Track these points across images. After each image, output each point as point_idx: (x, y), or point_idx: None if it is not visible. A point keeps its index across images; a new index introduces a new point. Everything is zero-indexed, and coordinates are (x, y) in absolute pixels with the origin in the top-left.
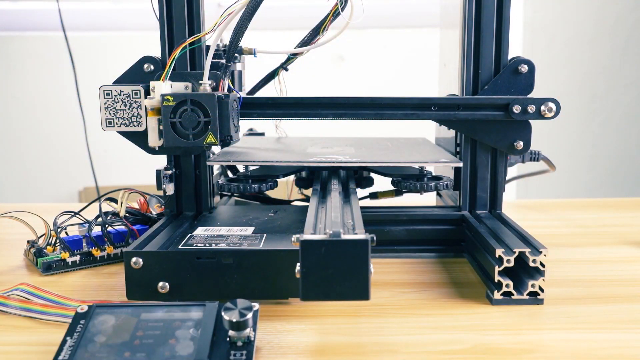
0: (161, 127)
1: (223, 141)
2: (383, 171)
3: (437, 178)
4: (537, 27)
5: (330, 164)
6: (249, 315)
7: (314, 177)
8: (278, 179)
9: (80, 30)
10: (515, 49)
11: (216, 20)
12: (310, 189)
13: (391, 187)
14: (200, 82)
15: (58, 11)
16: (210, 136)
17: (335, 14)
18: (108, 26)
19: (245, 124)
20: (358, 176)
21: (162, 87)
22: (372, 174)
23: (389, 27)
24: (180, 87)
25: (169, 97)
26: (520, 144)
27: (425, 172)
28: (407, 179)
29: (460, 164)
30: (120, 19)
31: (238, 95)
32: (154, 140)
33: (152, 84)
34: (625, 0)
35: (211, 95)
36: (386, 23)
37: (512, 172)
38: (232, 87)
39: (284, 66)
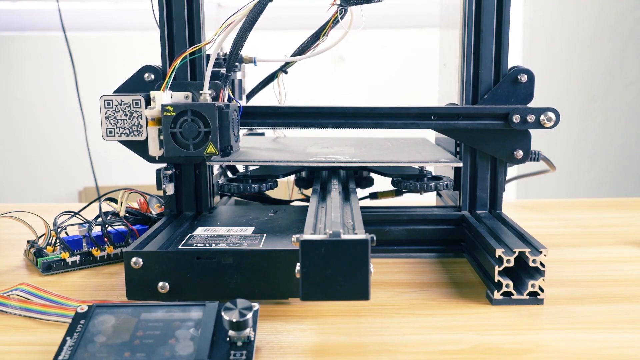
0: (161, 137)
1: (223, 151)
2: (383, 171)
3: (437, 178)
4: (537, 27)
5: (330, 164)
6: (249, 315)
7: (314, 177)
8: (278, 179)
9: (80, 30)
10: (515, 49)
11: (216, 31)
12: (310, 189)
13: (391, 187)
14: (201, 91)
15: (58, 11)
16: (211, 146)
17: (334, 21)
18: (108, 26)
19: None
20: (358, 176)
21: (163, 97)
22: (372, 174)
23: (389, 27)
24: (180, 96)
25: (169, 108)
26: (519, 153)
27: (425, 172)
28: (407, 179)
29: (460, 164)
30: (120, 19)
31: (238, 105)
32: (154, 150)
33: (152, 93)
34: (625, 0)
35: (211, 105)
36: (386, 23)
37: (512, 172)
38: (233, 96)
39: (283, 69)
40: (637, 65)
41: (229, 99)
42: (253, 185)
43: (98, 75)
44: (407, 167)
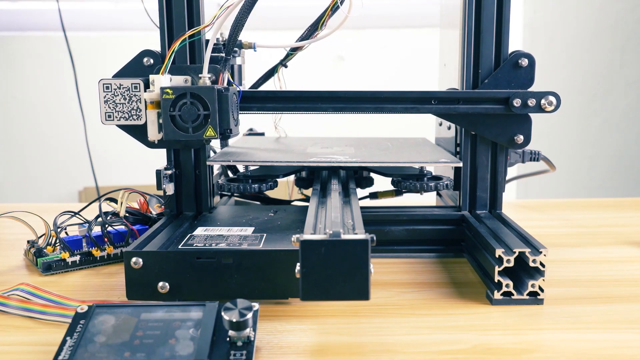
0: (161, 121)
1: (222, 134)
2: (383, 171)
3: (437, 178)
4: (537, 27)
5: (330, 164)
6: (249, 315)
7: (314, 177)
8: (278, 179)
9: (80, 30)
10: (515, 49)
11: (215, 13)
12: (310, 189)
13: (391, 187)
14: (200, 75)
15: (58, 11)
16: (210, 129)
17: (334, 8)
18: (108, 26)
19: (245, 121)
20: (358, 176)
21: (162, 80)
22: (372, 174)
23: (389, 27)
24: (180, 80)
25: (168, 90)
26: (520, 138)
27: (425, 172)
28: (407, 178)
29: (460, 164)
30: (120, 19)
31: (238, 89)
32: (153, 134)
33: (151, 77)
34: (625, 0)
35: (211, 88)
36: (386, 23)
37: (512, 172)
38: (232, 80)
39: (283, 63)
40: (637, 65)
41: (229, 83)
42: (253, 185)
43: (98, 75)
44: (407, 167)
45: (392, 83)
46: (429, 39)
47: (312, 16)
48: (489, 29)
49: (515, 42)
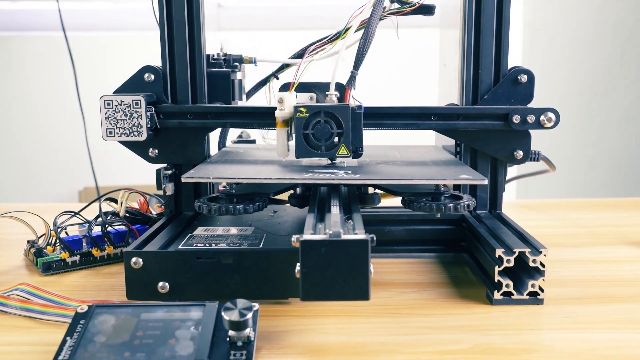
0: (290, 139)
1: (355, 152)
2: (391, 189)
3: (457, 197)
4: (537, 27)
5: (329, 182)
6: (249, 315)
7: (310, 194)
8: (269, 197)
9: (80, 30)
10: (515, 49)
11: (350, 23)
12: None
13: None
14: (327, 92)
15: (58, 11)
16: (343, 147)
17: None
18: (108, 26)
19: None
20: (362, 192)
21: (292, 99)
22: (378, 190)
23: (389, 27)
24: (305, 98)
25: (302, 109)
26: (519, 154)
27: (442, 189)
28: (420, 197)
29: (485, 182)
30: (120, 19)
31: (363, 106)
32: (282, 152)
33: (280, 95)
34: (625, 0)
35: (345, 106)
36: (386, 23)
37: (512, 172)
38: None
39: (275, 75)
40: (637, 65)
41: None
42: (238, 207)
43: (98, 75)
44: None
45: (392, 83)
46: (429, 39)
47: (313, 16)
48: (489, 30)
49: (516, 42)
